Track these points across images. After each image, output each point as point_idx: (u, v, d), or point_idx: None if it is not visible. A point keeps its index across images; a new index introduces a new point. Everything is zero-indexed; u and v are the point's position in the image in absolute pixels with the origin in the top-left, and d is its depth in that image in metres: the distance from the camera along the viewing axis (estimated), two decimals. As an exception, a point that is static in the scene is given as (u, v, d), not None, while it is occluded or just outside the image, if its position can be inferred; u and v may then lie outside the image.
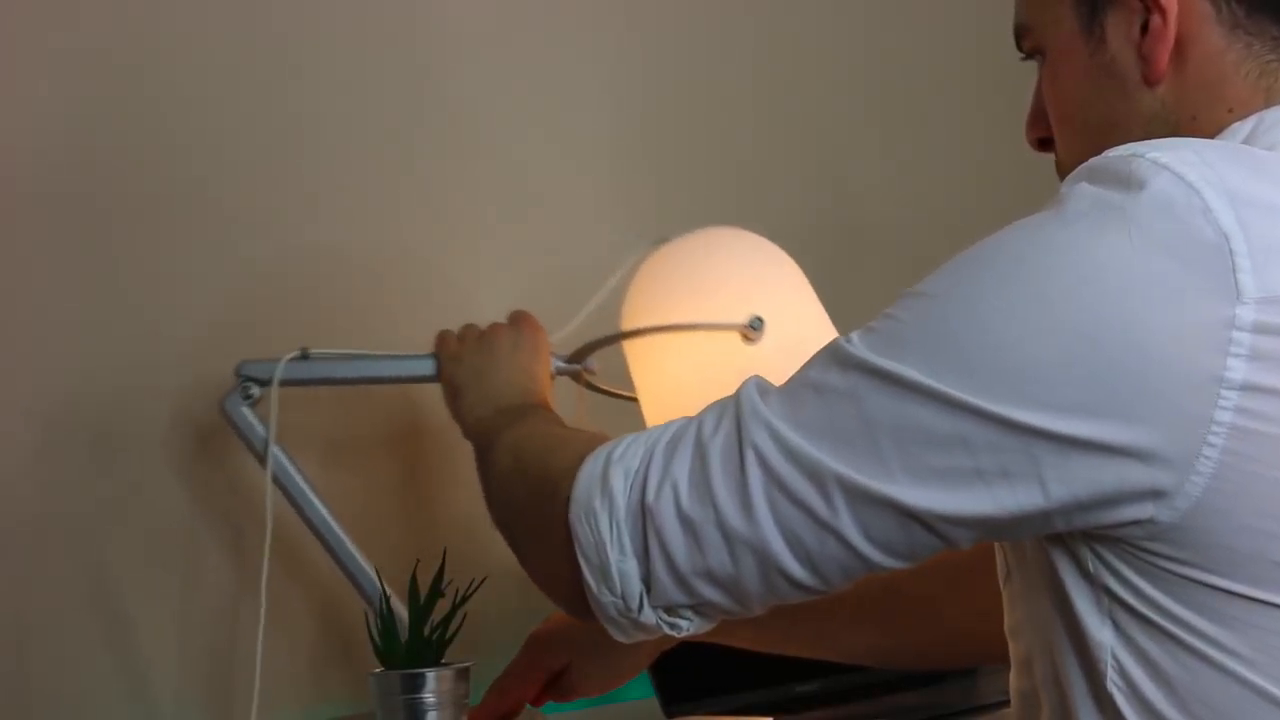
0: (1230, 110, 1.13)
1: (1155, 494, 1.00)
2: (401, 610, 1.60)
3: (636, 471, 1.11)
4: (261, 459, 1.65)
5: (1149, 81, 1.15)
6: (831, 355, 1.07)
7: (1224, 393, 0.99)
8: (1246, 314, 0.99)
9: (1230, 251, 0.99)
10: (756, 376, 1.11)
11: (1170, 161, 1.01)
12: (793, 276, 1.66)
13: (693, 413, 1.37)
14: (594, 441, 1.17)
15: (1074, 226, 1.02)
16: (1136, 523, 1.01)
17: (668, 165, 2.01)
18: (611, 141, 2.05)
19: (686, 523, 1.08)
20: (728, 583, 1.09)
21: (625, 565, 1.11)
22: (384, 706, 1.59)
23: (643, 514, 1.09)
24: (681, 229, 1.63)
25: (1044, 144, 1.23)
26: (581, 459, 1.14)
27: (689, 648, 1.53)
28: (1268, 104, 1.13)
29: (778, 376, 1.45)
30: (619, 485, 1.11)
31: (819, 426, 1.05)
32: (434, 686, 1.57)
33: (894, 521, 1.04)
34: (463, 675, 1.59)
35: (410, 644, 1.59)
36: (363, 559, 1.66)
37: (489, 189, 1.94)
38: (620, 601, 1.12)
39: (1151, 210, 1.00)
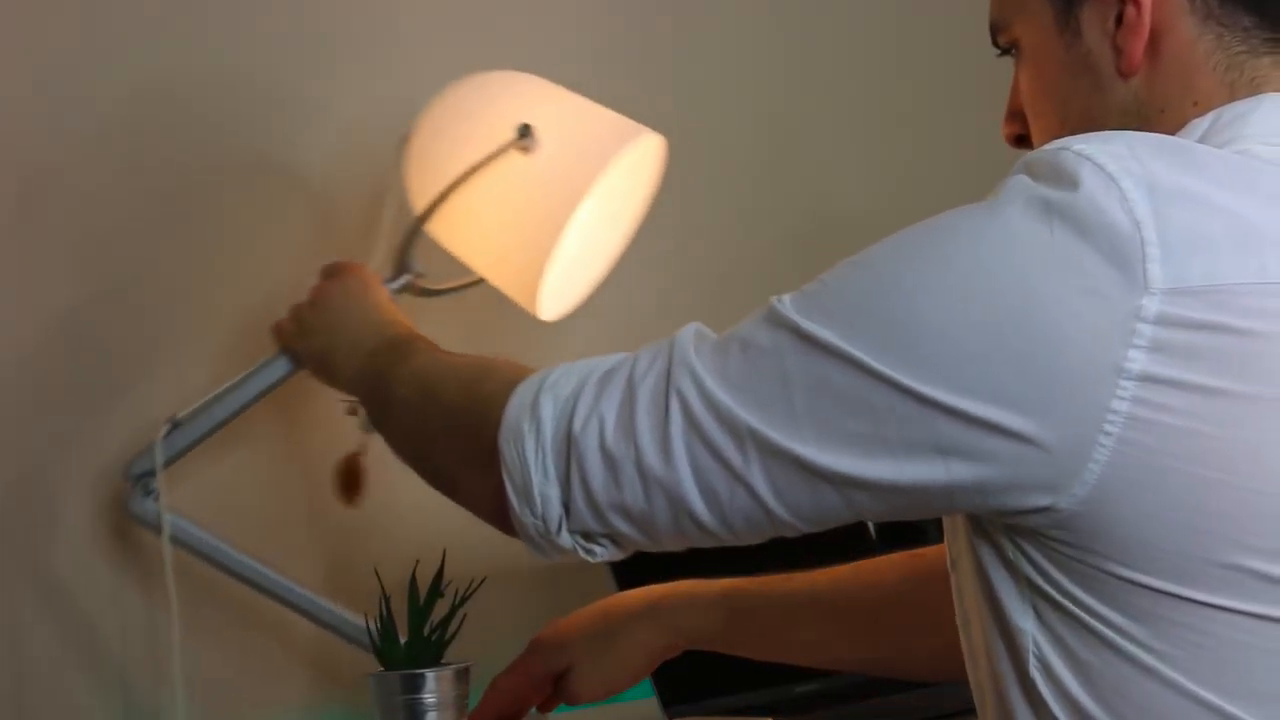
0: (1195, 104, 1.13)
1: (1053, 482, 1.01)
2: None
3: (567, 400, 1.14)
4: (189, 548, 1.65)
5: (1123, 74, 1.14)
6: (764, 314, 1.09)
7: (1122, 383, 0.99)
8: (1152, 305, 0.99)
9: (1142, 241, 1.00)
10: (697, 324, 1.14)
11: (1093, 153, 1.02)
12: (540, 84, 1.67)
13: (519, 249, 1.55)
14: (516, 368, 1.21)
15: (999, 215, 1.03)
16: (1040, 510, 1.02)
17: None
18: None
19: (608, 457, 1.11)
20: (640, 518, 1.12)
21: (547, 489, 1.14)
22: (383, 707, 1.59)
23: (568, 443, 1.13)
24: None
25: (1020, 140, 1.23)
26: (512, 385, 1.18)
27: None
28: (1232, 99, 1.12)
29: (571, 170, 1.58)
30: (548, 412, 1.14)
31: (740, 381, 1.07)
32: (433, 687, 1.58)
33: (801, 479, 1.06)
34: (462, 676, 1.59)
35: (409, 645, 1.60)
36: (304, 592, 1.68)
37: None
38: (540, 523, 1.15)
39: (1071, 199, 1.01)
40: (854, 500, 1.07)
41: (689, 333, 1.12)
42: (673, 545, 1.15)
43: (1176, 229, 1.00)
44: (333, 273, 1.60)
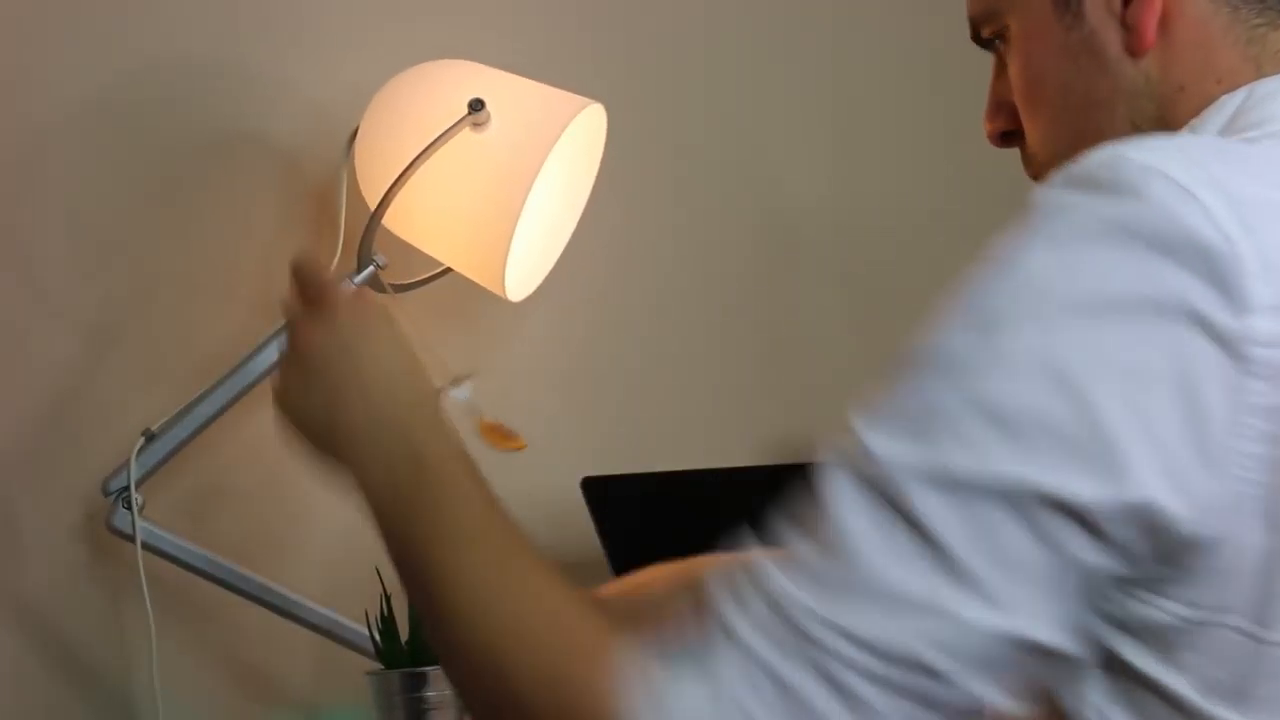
0: (1219, 81, 1.07)
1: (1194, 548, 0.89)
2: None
3: None
4: (173, 559, 1.63)
5: (1134, 53, 1.08)
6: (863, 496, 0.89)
7: (1248, 420, 0.88)
8: (1262, 325, 0.88)
9: (1236, 256, 0.89)
10: (774, 560, 0.90)
11: (1157, 162, 0.92)
12: (479, 68, 1.68)
13: (481, 232, 1.56)
14: (603, 647, 0.95)
15: (1062, 247, 0.91)
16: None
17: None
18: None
19: None
20: None
21: None
22: (384, 707, 1.59)
23: None
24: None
25: (1007, 137, 1.16)
26: (609, 689, 0.92)
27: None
28: (1259, 74, 1.07)
29: (523, 145, 1.59)
30: None
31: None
32: (434, 686, 1.58)
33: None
34: (462, 675, 1.59)
35: (411, 644, 1.60)
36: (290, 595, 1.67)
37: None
38: None
39: (1146, 218, 0.90)
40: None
41: (775, 578, 0.90)
42: None
43: (1267, 240, 0.90)
44: (316, 305, 1.13)
